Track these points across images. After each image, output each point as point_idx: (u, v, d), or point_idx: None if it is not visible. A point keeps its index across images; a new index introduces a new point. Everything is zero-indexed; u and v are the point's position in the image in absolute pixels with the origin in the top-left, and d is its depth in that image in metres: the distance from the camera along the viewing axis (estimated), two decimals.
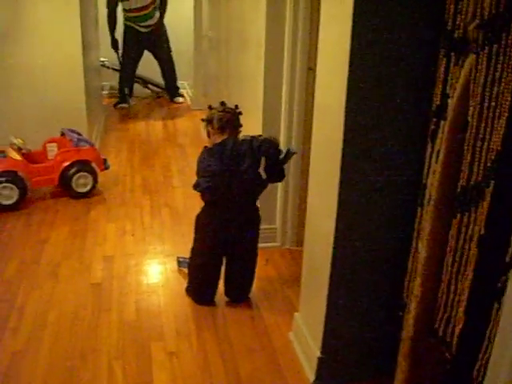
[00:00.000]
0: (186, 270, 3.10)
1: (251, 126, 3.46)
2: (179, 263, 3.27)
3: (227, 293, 2.99)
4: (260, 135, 2.85)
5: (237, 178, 2.70)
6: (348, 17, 1.81)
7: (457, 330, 1.75)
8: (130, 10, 6.81)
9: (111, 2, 6.79)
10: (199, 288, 2.99)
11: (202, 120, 2.90)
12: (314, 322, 2.37)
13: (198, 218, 2.91)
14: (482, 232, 1.60)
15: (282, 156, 2.78)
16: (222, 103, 2.89)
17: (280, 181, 2.95)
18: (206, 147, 2.79)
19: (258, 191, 2.86)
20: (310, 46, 3.03)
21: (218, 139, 2.76)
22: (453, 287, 1.79)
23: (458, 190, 1.73)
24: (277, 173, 2.82)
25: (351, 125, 1.93)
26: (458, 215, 1.72)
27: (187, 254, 3.01)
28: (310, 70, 3.06)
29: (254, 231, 2.95)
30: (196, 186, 2.76)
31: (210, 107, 2.89)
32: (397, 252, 2.11)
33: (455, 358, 1.78)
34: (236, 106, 2.87)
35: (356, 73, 1.86)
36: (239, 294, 3.01)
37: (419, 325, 1.96)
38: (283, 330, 2.72)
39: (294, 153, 2.83)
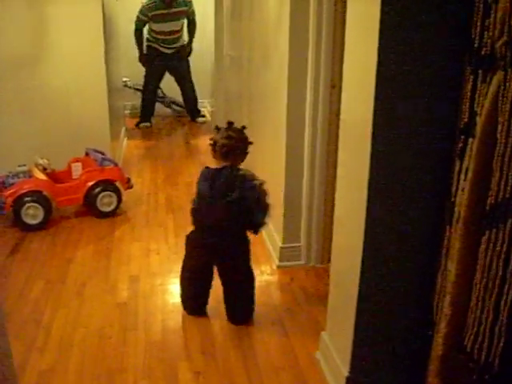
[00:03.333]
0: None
1: (274, 145, 3.48)
2: None
3: (228, 317, 2.97)
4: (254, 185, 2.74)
5: (220, 208, 2.73)
6: (375, 35, 1.81)
7: (485, 347, 1.73)
8: (159, 33, 6.90)
9: (140, 22, 6.84)
10: (187, 299, 3.04)
11: (210, 139, 2.82)
12: (341, 340, 2.35)
13: (187, 237, 2.95)
14: None
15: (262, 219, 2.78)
16: (229, 125, 2.80)
17: (254, 232, 2.87)
18: (206, 167, 2.81)
19: (243, 222, 2.82)
20: (332, 64, 3.04)
21: (220, 164, 2.76)
22: (480, 304, 1.77)
23: (487, 207, 1.71)
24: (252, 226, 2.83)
25: (378, 143, 1.93)
26: (487, 232, 1.70)
27: None
28: (334, 87, 3.06)
29: (242, 257, 2.90)
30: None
31: (217, 128, 2.84)
32: (426, 270, 2.09)
33: (495, 378, 1.75)
34: (243, 127, 2.82)
35: (383, 92, 1.87)
36: (239, 318, 2.96)
37: (449, 343, 1.94)
38: (310, 348, 2.70)
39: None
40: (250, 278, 2.95)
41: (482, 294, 1.75)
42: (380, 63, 1.83)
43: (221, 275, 2.92)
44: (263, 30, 3.83)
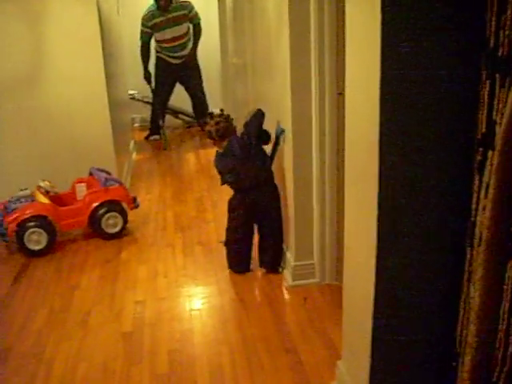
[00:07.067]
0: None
1: (282, 152, 3.33)
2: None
3: (262, 263, 3.52)
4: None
5: (251, 164, 3.25)
6: (377, 36, 1.63)
7: None
8: (162, 41, 6.80)
9: (145, 34, 6.78)
10: (238, 260, 3.50)
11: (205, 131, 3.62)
12: (358, 371, 2.16)
13: (230, 202, 3.43)
14: None
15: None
16: (210, 115, 3.43)
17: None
18: (218, 152, 3.36)
19: (270, 166, 3.36)
20: (337, 70, 2.86)
21: (223, 144, 3.30)
22: (509, 336, 1.57)
23: None
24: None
25: (386, 157, 1.74)
26: None
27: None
28: (340, 94, 2.88)
29: (278, 204, 3.41)
30: (224, 182, 3.35)
31: (205, 122, 3.52)
32: (446, 295, 1.90)
33: None
34: (221, 110, 3.46)
35: (389, 100, 1.68)
36: (273, 263, 3.48)
37: (476, 377, 1.74)
38: (325, 378, 2.50)
39: (282, 131, 3.23)
40: (281, 222, 3.44)
41: (510, 326, 1.56)
42: (384, 71, 1.65)
43: (261, 226, 3.47)
44: (265, 37, 3.69)
